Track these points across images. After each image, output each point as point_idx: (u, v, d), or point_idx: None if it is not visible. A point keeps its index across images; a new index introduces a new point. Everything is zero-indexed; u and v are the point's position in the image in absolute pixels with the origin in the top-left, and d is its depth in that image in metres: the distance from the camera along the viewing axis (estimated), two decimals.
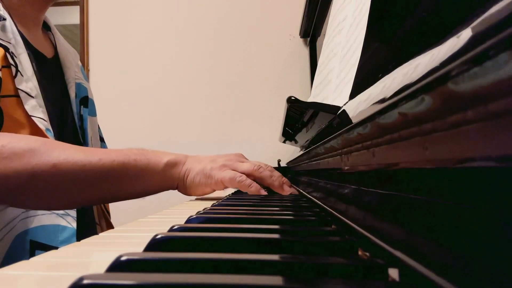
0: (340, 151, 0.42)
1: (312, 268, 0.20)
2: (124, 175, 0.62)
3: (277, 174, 0.74)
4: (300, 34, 1.71)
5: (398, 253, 0.19)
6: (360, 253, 0.26)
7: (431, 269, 0.16)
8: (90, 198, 0.63)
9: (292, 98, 0.72)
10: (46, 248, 0.64)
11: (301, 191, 0.73)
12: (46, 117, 0.69)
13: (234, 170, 0.69)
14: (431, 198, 0.22)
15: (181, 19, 1.82)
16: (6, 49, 0.66)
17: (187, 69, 1.80)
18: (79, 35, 1.84)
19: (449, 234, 0.18)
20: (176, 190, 0.71)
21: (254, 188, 0.68)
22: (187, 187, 0.68)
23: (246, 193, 0.71)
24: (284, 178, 0.75)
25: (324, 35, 0.92)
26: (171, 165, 0.66)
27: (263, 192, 0.69)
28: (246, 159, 0.77)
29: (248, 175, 0.69)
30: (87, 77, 0.94)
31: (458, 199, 0.19)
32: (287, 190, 0.73)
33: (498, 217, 0.15)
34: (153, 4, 1.83)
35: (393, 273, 0.20)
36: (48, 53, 0.82)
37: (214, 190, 0.70)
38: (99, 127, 0.96)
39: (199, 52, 1.80)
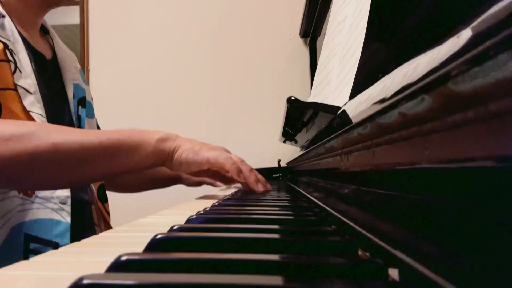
0: (340, 151, 0.42)
1: (312, 268, 0.20)
2: (119, 150, 0.65)
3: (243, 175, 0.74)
4: (300, 34, 1.71)
5: (398, 253, 0.19)
6: (360, 253, 0.26)
7: (431, 269, 0.16)
8: (90, 174, 0.66)
9: (292, 98, 0.72)
10: (40, 241, 0.65)
11: (301, 191, 0.73)
12: (43, 113, 0.69)
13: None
14: (431, 198, 0.22)
15: (181, 19, 1.82)
16: (5, 45, 0.67)
17: (187, 69, 1.80)
18: (79, 35, 1.84)
19: (449, 234, 0.18)
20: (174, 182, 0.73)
21: (234, 172, 0.70)
22: (174, 163, 0.69)
23: (246, 193, 0.71)
24: (251, 178, 0.75)
25: (324, 35, 0.92)
26: (162, 140, 0.69)
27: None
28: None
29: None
30: (86, 81, 0.95)
31: (458, 199, 0.19)
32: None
33: (498, 217, 0.15)
34: (153, 5, 1.83)
35: (393, 273, 0.20)
36: (47, 54, 0.82)
37: (199, 170, 0.72)
38: (99, 128, 0.96)
39: (199, 53, 1.80)
